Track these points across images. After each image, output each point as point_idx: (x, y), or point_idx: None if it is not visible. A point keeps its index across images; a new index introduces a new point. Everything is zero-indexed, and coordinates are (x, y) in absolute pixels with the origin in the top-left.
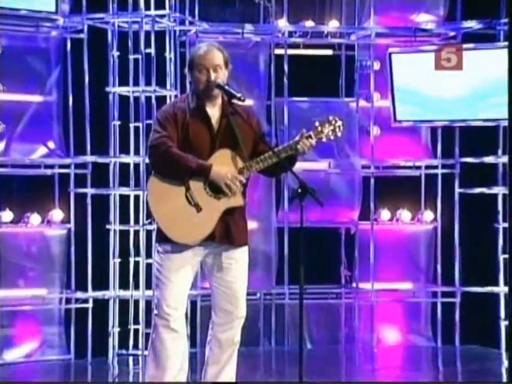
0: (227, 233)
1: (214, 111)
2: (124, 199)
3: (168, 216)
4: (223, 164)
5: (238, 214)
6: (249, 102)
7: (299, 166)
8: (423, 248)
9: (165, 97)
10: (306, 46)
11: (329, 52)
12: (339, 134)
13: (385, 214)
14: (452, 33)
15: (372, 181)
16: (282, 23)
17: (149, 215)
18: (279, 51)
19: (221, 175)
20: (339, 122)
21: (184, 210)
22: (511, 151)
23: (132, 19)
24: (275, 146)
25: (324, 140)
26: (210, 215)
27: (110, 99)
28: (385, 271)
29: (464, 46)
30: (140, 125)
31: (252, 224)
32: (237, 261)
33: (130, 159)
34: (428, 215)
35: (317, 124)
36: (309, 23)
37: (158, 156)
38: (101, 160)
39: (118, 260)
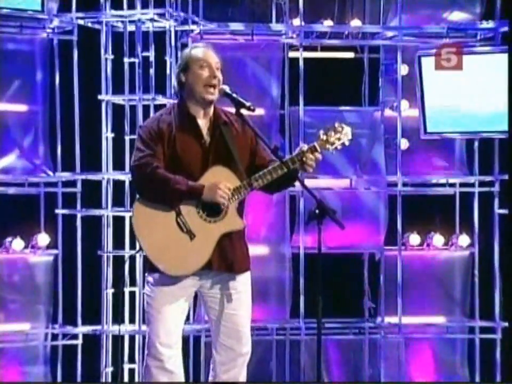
0: (226, 259)
1: (204, 122)
2: (118, 221)
3: (158, 245)
4: (217, 183)
5: (237, 238)
6: (259, 111)
7: (316, 183)
8: (458, 277)
9: (164, 105)
10: (325, 48)
11: (350, 55)
12: (347, 142)
13: (414, 238)
14: (490, 34)
15: (400, 200)
16: (297, 23)
17: (138, 242)
18: (293, 54)
19: (213, 190)
20: (346, 129)
21: (176, 238)
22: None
23: (128, 18)
24: (277, 159)
25: (331, 150)
26: (206, 241)
27: (103, 108)
28: (415, 303)
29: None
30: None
31: (262, 250)
32: (238, 290)
33: (125, 176)
34: (463, 239)
35: (321, 133)
36: (328, 23)
37: (143, 179)
38: (92, 177)
39: (111, 291)
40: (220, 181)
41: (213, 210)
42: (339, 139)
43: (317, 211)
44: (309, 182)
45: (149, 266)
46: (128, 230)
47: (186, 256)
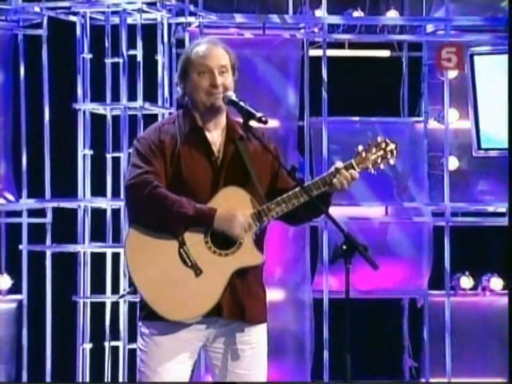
0: (239, 305)
1: (215, 135)
2: (98, 259)
3: (155, 283)
4: (230, 208)
5: (253, 277)
6: (273, 123)
7: (343, 212)
8: None
9: (155, 116)
10: (354, 46)
11: (385, 53)
12: (392, 161)
13: (466, 280)
14: None
15: (448, 233)
16: (320, 14)
17: (130, 281)
18: (315, 52)
19: (228, 219)
20: (391, 146)
21: (178, 274)
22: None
23: (110, 9)
24: (302, 182)
25: (371, 169)
26: (215, 279)
27: (80, 119)
28: (467, 360)
29: None
30: (121, 155)
31: (277, 295)
32: (253, 345)
33: (106, 203)
34: None
35: (360, 148)
36: (357, 14)
37: (139, 200)
38: (65, 204)
39: (88, 346)
40: (235, 207)
41: (224, 240)
42: (382, 157)
43: (344, 247)
44: (334, 211)
45: (144, 313)
46: (109, 270)
47: (191, 297)
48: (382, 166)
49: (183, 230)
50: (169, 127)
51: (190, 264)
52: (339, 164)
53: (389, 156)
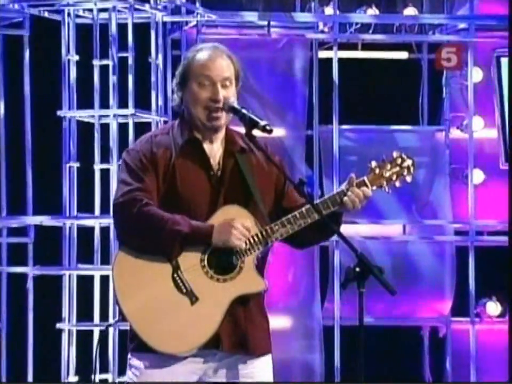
0: (240, 335)
1: (214, 148)
2: (85, 282)
3: (146, 311)
4: None
5: (254, 304)
6: (279, 132)
7: (357, 230)
8: None
9: (148, 124)
10: (368, 46)
11: (403, 55)
12: (408, 179)
13: (493, 306)
14: None
15: (472, 254)
16: (331, 11)
17: (118, 307)
18: (325, 54)
19: (226, 229)
20: (408, 162)
21: (171, 302)
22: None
23: (99, 6)
24: (310, 199)
25: (386, 187)
26: (212, 308)
27: (64, 128)
28: None
29: None
30: (111, 167)
31: (283, 322)
32: (257, 378)
33: (94, 220)
34: None
35: (373, 165)
36: (372, 11)
37: (129, 220)
38: (49, 222)
39: (74, 379)
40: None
41: (223, 264)
42: (398, 174)
43: (357, 269)
44: (346, 229)
45: (135, 344)
46: (98, 295)
47: (186, 327)
48: (397, 184)
49: (177, 252)
50: (163, 138)
51: (184, 291)
52: (351, 180)
53: (405, 173)
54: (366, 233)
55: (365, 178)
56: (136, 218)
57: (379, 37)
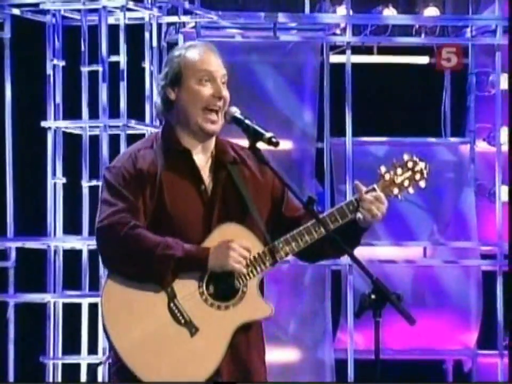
0: (240, 364)
1: (203, 159)
2: (72, 310)
3: (142, 348)
4: None
5: (255, 331)
6: (286, 145)
7: (372, 253)
8: None
9: (142, 136)
10: (384, 50)
11: (423, 60)
12: (422, 184)
13: None
14: None
15: (501, 279)
16: (343, 12)
17: (109, 343)
18: (337, 58)
19: (223, 252)
20: (420, 165)
21: (169, 334)
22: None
23: (87, 6)
24: (311, 215)
25: (398, 194)
26: (215, 338)
27: (49, 140)
28: None
29: None
30: (99, 184)
31: (293, 354)
32: None
33: (82, 242)
34: None
35: (383, 170)
36: (389, 11)
37: (115, 244)
38: (32, 244)
39: None
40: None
41: (223, 290)
42: (410, 179)
43: (372, 296)
44: (361, 252)
45: (126, 379)
46: (86, 325)
47: (186, 362)
48: (411, 190)
49: (171, 278)
50: (147, 152)
51: (183, 321)
52: (358, 187)
53: (418, 177)
54: (382, 256)
55: (375, 185)
56: (123, 243)
57: (397, 40)
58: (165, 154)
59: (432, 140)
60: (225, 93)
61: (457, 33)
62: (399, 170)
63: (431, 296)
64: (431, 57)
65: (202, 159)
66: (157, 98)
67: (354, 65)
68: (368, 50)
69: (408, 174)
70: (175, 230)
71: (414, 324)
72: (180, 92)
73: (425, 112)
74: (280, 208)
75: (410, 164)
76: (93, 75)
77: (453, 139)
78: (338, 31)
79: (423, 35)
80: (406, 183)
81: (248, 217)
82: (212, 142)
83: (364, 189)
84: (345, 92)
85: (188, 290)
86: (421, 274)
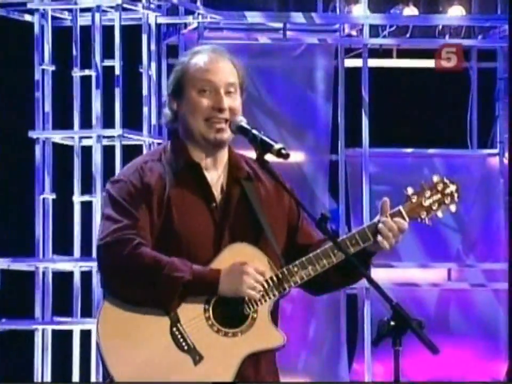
0: None
1: (215, 175)
2: (62, 338)
3: (140, 375)
4: None
5: (266, 362)
6: (297, 156)
7: (392, 275)
8: None
9: (138, 147)
10: (404, 53)
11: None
12: (452, 208)
13: None
14: None
15: None
16: (360, 11)
17: (105, 372)
18: (352, 62)
19: (236, 275)
20: (451, 187)
21: (170, 362)
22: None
23: (79, 5)
24: (335, 235)
25: (425, 219)
26: (220, 368)
27: (37, 152)
28: None
29: None
30: (93, 199)
31: None
32: None
33: (73, 264)
34: None
35: (410, 191)
36: (410, 11)
37: (117, 264)
38: (19, 266)
39: None
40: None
41: (231, 315)
42: (440, 202)
43: (392, 323)
44: (379, 274)
45: None
46: (77, 353)
47: None
48: (439, 214)
49: (177, 302)
50: (154, 165)
51: (186, 348)
52: (384, 206)
53: (448, 201)
54: (403, 279)
55: (401, 208)
56: (126, 263)
57: (418, 42)
58: (173, 168)
59: (458, 151)
60: (230, 104)
61: (484, 34)
62: (427, 193)
63: (456, 323)
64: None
65: (213, 174)
66: (165, 109)
67: (372, 70)
68: (386, 54)
69: (438, 196)
70: (182, 249)
71: (437, 353)
72: (182, 102)
73: (449, 121)
74: (295, 232)
75: (440, 186)
76: (85, 81)
77: (480, 151)
78: (354, 33)
79: (447, 36)
80: (435, 206)
81: (261, 237)
82: (224, 156)
83: (388, 210)
84: (361, 99)
85: (192, 314)
86: (445, 299)
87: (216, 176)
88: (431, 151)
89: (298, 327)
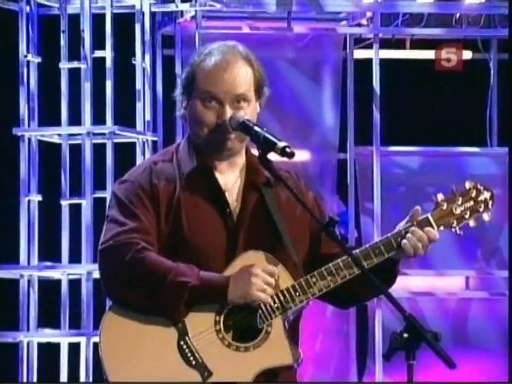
0: None
1: (230, 179)
2: (49, 351)
3: None
4: None
5: (285, 381)
6: (302, 155)
7: (404, 284)
8: None
9: (132, 145)
10: (419, 44)
11: (465, 55)
12: (486, 217)
13: None
14: None
15: None
16: (369, 0)
17: None
18: (362, 53)
19: (244, 279)
20: (485, 194)
21: (177, 378)
22: None
23: None
24: (345, 241)
25: (456, 228)
26: None
27: (22, 150)
28: None
29: None
30: (83, 202)
31: None
32: None
33: (61, 271)
34: None
35: (439, 198)
36: None
37: (120, 268)
38: (1, 274)
39: None
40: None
41: (244, 328)
42: (472, 211)
43: (405, 335)
44: None
45: None
46: (65, 368)
47: None
48: (472, 223)
49: (184, 311)
50: (165, 167)
51: (194, 363)
52: (415, 215)
53: (481, 209)
54: (417, 288)
55: (429, 215)
56: (129, 268)
57: (434, 32)
58: (185, 170)
59: (475, 149)
60: (230, 115)
61: (505, 24)
62: (459, 200)
63: (475, 335)
64: (474, 52)
65: (229, 178)
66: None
67: (383, 61)
68: (399, 44)
69: (470, 204)
70: (192, 257)
71: (454, 368)
72: (188, 106)
73: (467, 116)
74: (318, 241)
75: (473, 193)
76: (74, 73)
77: (500, 149)
78: (364, 22)
79: (465, 26)
80: (467, 214)
81: (278, 247)
82: (241, 159)
83: (418, 218)
84: (372, 93)
85: (202, 326)
86: (463, 309)
87: (232, 181)
88: (447, 149)
89: (307, 339)
